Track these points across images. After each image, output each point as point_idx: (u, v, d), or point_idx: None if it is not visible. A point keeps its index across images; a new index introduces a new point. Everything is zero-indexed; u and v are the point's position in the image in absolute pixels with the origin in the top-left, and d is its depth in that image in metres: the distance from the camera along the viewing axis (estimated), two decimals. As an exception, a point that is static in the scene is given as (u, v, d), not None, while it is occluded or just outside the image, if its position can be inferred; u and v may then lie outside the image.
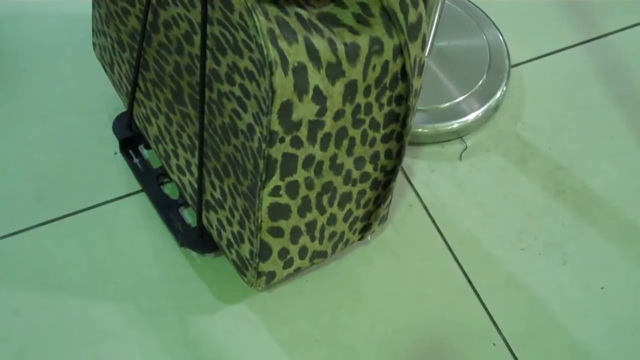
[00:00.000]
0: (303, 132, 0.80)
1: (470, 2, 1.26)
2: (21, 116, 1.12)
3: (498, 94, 1.17)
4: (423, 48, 0.82)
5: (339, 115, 0.81)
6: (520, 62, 1.23)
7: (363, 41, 0.78)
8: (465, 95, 1.15)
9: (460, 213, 1.07)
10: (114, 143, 1.09)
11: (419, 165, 1.11)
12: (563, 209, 1.08)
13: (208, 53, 0.84)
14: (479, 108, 1.15)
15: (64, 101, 1.14)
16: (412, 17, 0.80)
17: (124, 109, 1.09)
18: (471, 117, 1.14)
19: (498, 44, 1.21)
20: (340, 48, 0.77)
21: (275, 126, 0.77)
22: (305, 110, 0.78)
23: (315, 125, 0.80)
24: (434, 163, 1.11)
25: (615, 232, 1.07)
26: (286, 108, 0.76)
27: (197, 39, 0.85)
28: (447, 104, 1.14)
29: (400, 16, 0.79)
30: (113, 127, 1.09)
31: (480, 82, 1.17)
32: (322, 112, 0.79)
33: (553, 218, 1.07)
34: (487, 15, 1.25)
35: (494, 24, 1.24)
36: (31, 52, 1.19)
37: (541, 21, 1.28)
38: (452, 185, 1.10)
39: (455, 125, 1.13)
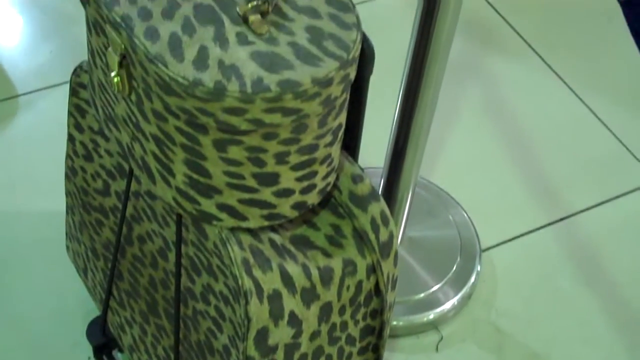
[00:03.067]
0: (279, 355, 0.79)
1: (438, 187, 1.29)
2: (-7, 321, 1.12)
3: (471, 281, 1.18)
4: (395, 264, 0.83)
5: (314, 335, 0.81)
6: (491, 246, 1.25)
7: (336, 264, 0.79)
8: (440, 284, 1.16)
9: (439, 409, 1.06)
10: (87, 347, 1.08)
11: (395, 359, 1.10)
12: (542, 400, 1.08)
13: (183, 271, 0.84)
14: (454, 296, 1.15)
15: (37, 303, 1.13)
16: (384, 235, 0.81)
17: (98, 312, 1.09)
18: (447, 306, 1.15)
19: (468, 230, 1.23)
20: (314, 273, 0.78)
21: (252, 351, 0.77)
22: (281, 335, 0.78)
23: (291, 348, 0.80)
24: (410, 355, 1.11)
25: (596, 423, 1.06)
26: (262, 334, 0.77)
27: (171, 256, 0.86)
28: (422, 295, 1.15)
29: (372, 236, 0.80)
30: (87, 332, 1.08)
31: (454, 269, 1.18)
32: (297, 334, 0.79)
33: (533, 410, 1.07)
34: (455, 201, 1.27)
35: (462, 208, 1.26)
36: (3, 251, 1.19)
37: (508, 203, 1.31)
38: (430, 379, 1.09)
39: (431, 316, 1.13)
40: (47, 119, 1.34)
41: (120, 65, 0.72)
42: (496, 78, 1.47)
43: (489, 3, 1.60)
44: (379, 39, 1.48)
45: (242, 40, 0.68)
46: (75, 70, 0.91)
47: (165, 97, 0.68)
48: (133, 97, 0.73)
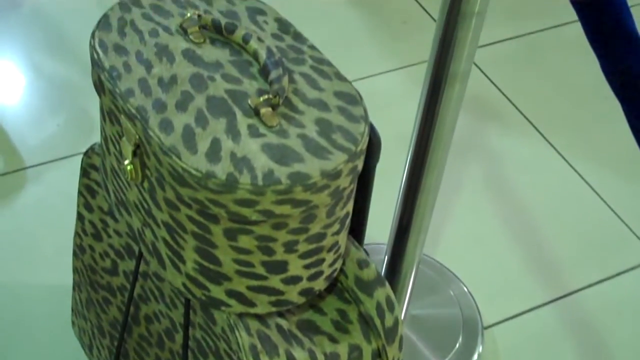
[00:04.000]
0: None
1: (440, 264, 1.30)
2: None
3: (474, 359, 1.18)
4: (400, 348, 0.84)
5: (320, 420, 0.82)
6: (493, 323, 1.26)
7: (342, 349, 0.80)
8: (442, 363, 1.17)
9: None
10: None
11: None
12: None
13: (189, 353, 0.85)
14: (456, 375, 1.16)
15: (41, 378, 1.14)
16: (389, 321, 0.82)
17: (102, 388, 1.09)
18: (449, 385, 1.15)
19: (470, 307, 1.24)
20: (321, 358, 0.79)
21: None
22: (287, 420, 0.78)
23: None
24: None
25: None
26: (268, 420, 0.77)
27: (178, 337, 0.87)
28: (424, 374, 1.15)
29: (377, 321, 0.81)
30: (91, 409, 1.08)
31: (456, 347, 1.19)
32: (303, 419, 0.80)
33: None
34: (457, 278, 1.28)
35: (464, 285, 1.27)
36: (7, 324, 1.19)
37: (510, 280, 1.32)
38: None
39: (434, 397, 1.14)
40: (55, 192, 1.36)
41: (134, 154, 0.74)
42: (497, 154, 1.50)
43: (490, 81, 1.63)
44: (382, 114, 1.51)
45: (254, 132, 0.70)
46: (87, 151, 0.93)
47: (178, 187, 0.70)
48: (146, 184, 0.75)
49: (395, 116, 1.52)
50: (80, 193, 0.97)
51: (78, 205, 0.99)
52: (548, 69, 1.68)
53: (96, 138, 1.45)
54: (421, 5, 1.78)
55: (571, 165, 1.49)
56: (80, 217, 0.99)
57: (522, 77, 1.65)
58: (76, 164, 1.40)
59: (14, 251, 1.28)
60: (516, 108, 1.58)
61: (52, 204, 1.34)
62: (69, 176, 1.38)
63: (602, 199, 1.45)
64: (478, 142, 1.52)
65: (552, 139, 1.53)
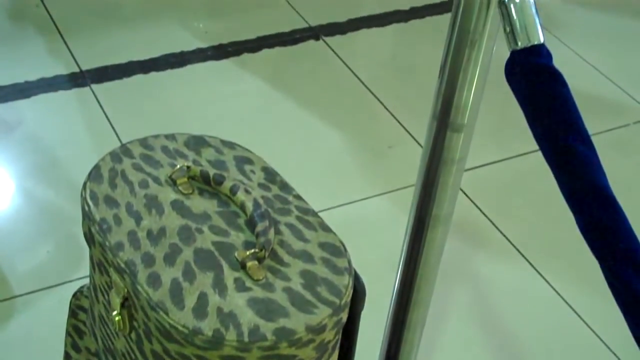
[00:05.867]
0: None
1: (429, 395, 1.30)
2: None
3: None
4: None
5: None
6: None
7: None
8: None
9: None
10: None
11: None
12: None
13: None
14: None
15: None
16: None
17: None
18: None
19: None
20: None
21: None
22: None
23: None
24: None
25: None
26: None
27: None
28: None
29: None
30: None
31: None
32: None
33: None
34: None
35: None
36: None
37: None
38: None
39: None
40: (44, 323, 1.35)
41: (122, 305, 0.75)
42: (483, 281, 1.51)
43: (475, 205, 1.65)
44: (369, 239, 1.52)
45: (240, 286, 0.72)
46: (75, 293, 0.94)
47: (165, 342, 0.71)
48: (133, 335, 0.76)
49: (382, 240, 1.54)
50: (68, 333, 0.98)
51: (66, 345, 0.99)
52: (534, 193, 1.70)
53: (86, 265, 1.46)
54: (406, 130, 1.82)
55: (558, 293, 1.50)
56: (67, 357, 0.99)
57: (508, 201, 1.68)
58: (65, 292, 1.40)
59: (0, 384, 1.28)
60: (502, 234, 1.60)
61: (40, 335, 1.34)
62: (58, 305, 1.38)
63: (590, 327, 1.45)
64: (463, 268, 1.53)
65: (539, 266, 1.54)
